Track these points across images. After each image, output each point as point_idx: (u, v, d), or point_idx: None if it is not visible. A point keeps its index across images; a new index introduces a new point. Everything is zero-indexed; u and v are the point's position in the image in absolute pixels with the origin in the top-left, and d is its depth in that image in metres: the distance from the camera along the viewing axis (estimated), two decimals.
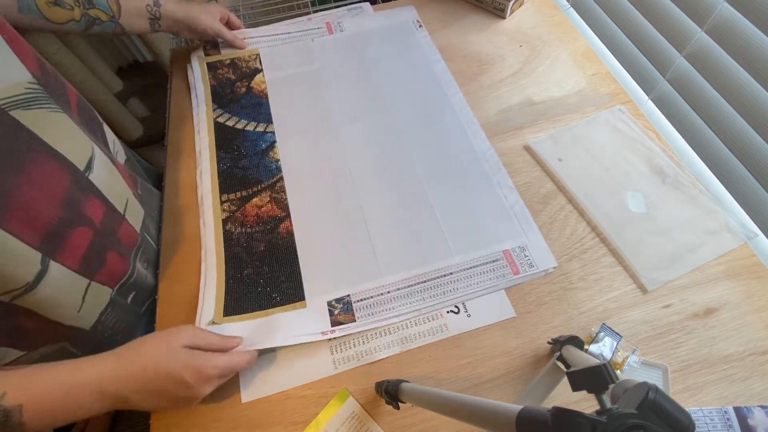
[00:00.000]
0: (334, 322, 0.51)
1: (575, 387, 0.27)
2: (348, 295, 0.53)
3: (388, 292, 0.54)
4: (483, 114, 0.70)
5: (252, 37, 0.81)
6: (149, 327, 0.53)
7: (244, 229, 0.59)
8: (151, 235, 0.59)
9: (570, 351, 0.41)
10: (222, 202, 0.62)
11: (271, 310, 0.53)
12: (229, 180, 0.64)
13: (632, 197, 0.60)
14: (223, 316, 0.52)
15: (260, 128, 0.70)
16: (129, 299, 0.54)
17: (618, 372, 0.47)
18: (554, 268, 0.55)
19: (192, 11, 0.70)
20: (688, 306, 0.52)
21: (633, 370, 0.48)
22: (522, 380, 0.48)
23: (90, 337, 0.48)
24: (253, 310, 0.53)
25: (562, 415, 0.22)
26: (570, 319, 0.52)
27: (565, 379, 0.30)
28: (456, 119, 0.69)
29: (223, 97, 0.74)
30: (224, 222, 0.60)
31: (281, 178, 0.64)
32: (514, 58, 0.77)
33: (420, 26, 0.82)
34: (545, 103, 0.71)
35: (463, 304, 0.53)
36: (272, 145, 0.68)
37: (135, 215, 0.55)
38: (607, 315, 0.52)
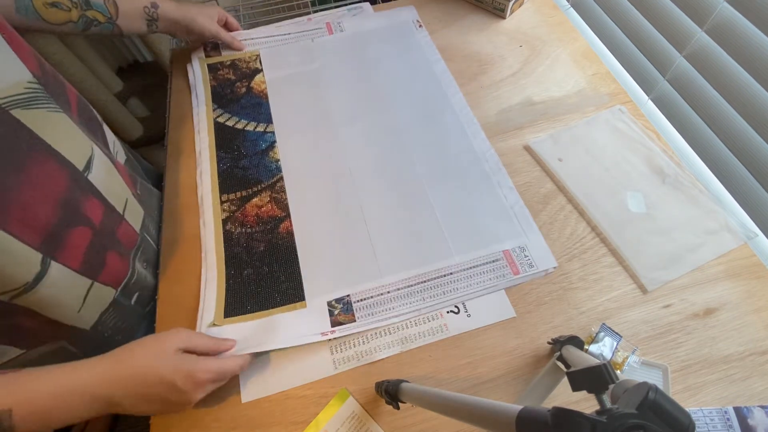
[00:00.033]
0: (334, 323, 0.51)
1: (575, 387, 0.27)
2: (348, 295, 0.53)
3: (388, 292, 0.54)
4: (483, 114, 0.70)
5: (252, 38, 0.81)
6: (151, 327, 0.53)
7: (244, 229, 0.59)
8: (151, 235, 0.59)
9: (570, 351, 0.41)
10: (222, 202, 0.62)
11: (271, 310, 0.53)
12: (229, 180, 0.64)
13: (632, 197, 0.60)
14: (224, 317, 0.52)
15: (260, 128, 0.70)
16: (133, 300, 0.54)
17: (618, 372, 0.47)
18: (554, 268, 0.55)
19: (189, 13, 0.70)
20: (688, 306, 0.52)
21: (633, 370, 0.48)
22: (522, 380, 0.48)
23: (90, 337, 0.48)
24: (253, 311, 0.53)
25: (562, 415, 0.22)
26: (570, 319, 0.52)
27: (565, 379, 0.30)
28: (456, 119, 0.69)
29: (223, 97, 0.74)
30: (224, 222, 0.60)
31: (281, 178, 0.64)
32: (514, 58, 0.77)
33: (420, 26, 0.82)
34: (545, 103, 0.71)
35: (463, 304, 0.53)
36: (272, 145, 0.68)
37: (134, 215, 0.55)
38: (607, 315, 0.52)
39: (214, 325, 0.51)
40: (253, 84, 0.75)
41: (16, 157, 0.38)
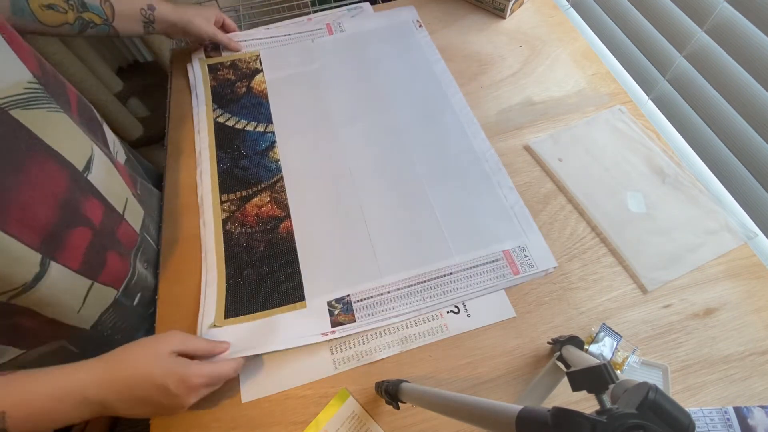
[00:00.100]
0: (334, 323, 0.51)
1: (575, 387, 0.27)
2: (348, 295, 0.53)
3: (388, 292, 0.54)
4: (483, 114, 0.70)
5: (252, 38, 0.81)
6: (152, 329, 0.53)
7: (244, 229, 0.59)
8: (151, 236, 0.59)
9: (570, 351, 0.41)
10: (222, 202, 0.62)
11: (271, 310, 0.53)
12: (229, 180, 0.64)
13: (632, 197, 0.60)
14: (224, 318, 0.52)
15: (260, 128, 0.70)
16: (135, 301, 0.54)
17: (618, 372, 0.47)
18: (554, 268, 0.55)
19: (186, 15, 0.70)
20: (688, 306, 0.52)
21: (633, 370, 0.48)
22: (522, 380, 0.48)
23: (90, 337, 0.48)
24: (253, 311, 0.53)
25: (562, 415, 0.22)
26: (570, 319, 0.52)
27: (565, 379, 0.30)
28: (456, 119, 0.69)
29: (223, 97, 0.74)
30: (224, 222, 0.60)
31: (281, 178, 0.64)
32: (514, 58, 0.77)
33: (420, 26, 0.82)
34: (545, 103, 0.71)
35: (463, 304, 0.53)
36: (272, 145, 0.68)
37: (134, 215, 0.55)
38: (607, 315, 0.52)
39: (215, 326, 0.51)
40: (253, 84, 0.75)
41: (15, 158, 0.38)
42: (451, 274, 0.54)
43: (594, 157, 0.64)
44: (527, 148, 0.66)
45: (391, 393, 0.41)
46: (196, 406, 0.45)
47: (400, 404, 0.42)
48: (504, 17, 0.83)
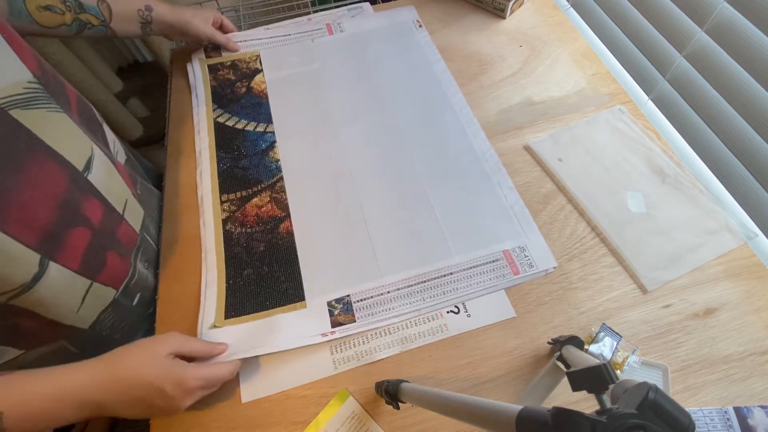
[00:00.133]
0: (334, 323, 0.51)
1: (575, 387, 0.27)
2: (348, 295, 0.53)
3: (388, 292, 0.53)
4: (483, 114, 0.70)
5: (252, 39, 0.81)
6: (152, 330, 0.53)
7: (244, 229, 0.59)
8: (151, 236, 0.59)
9: (570, 351, 0.41)
10: (222, 202, 0.62)
11: (271, 311, 0.53)
12: (229, 180, 0.64)
13: (632, 197, 0.60)
14: (224, 318, 0.52)
15: (260, 128, 0.70)
16: (135, 301, 0.54)
17: (618, 372, 0.47)
18: (554, 268, 0.55)
19: (184, 16, 0.70)
20: (688, 306, 0.52)
21: (633, 370, 0.48)
22: (522, 380, 0.48)
23: (89, 336, 0.48)
24: (253, 312, 0.53)
25: (562, 415, 0.22)
26: (570, 319, 0.52)
27: (565, 379, 0.30)
28: (456, 119, 0.69)
29: (223, 97, 0.74)
30: (224, 222, 0.60)
31: (281, 178, 0.64)
32: (514, 58, 0.77)
33: (420, 26, 0.82)
34: (545, 103, 0.71)
35: (463, 304, 0.53)
36: (272, 145, 0.68)
37: (134, 215, 0.55)
38: (607, 315, 0.52)
39: (215, 326, 0.51)
40: (253, 84, 0.75)
41: (15, 158, 0.38)
42: (451, 274, 0.54)
43: (594, 157, 0.64)
44: (527, 148, 0.66)
45: (391, 393, 0.41)
46: (195, 406, 0.45)
47: (400, 404, 0.42)
48: (504, 17, 0.83)
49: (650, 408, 0.22)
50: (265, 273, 0.56)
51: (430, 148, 0.66)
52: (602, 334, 0.49)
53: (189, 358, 0.45)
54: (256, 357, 0.49)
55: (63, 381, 0.38)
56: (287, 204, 0.61)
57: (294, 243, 0.58)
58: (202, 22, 0.73)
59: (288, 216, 0.60)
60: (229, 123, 0.70)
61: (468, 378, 0.49)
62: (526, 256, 0.56)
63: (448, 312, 0.53)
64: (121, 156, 0.59)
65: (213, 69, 0.77)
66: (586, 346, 0.48)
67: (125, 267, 0.51)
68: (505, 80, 0.75)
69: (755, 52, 0.54)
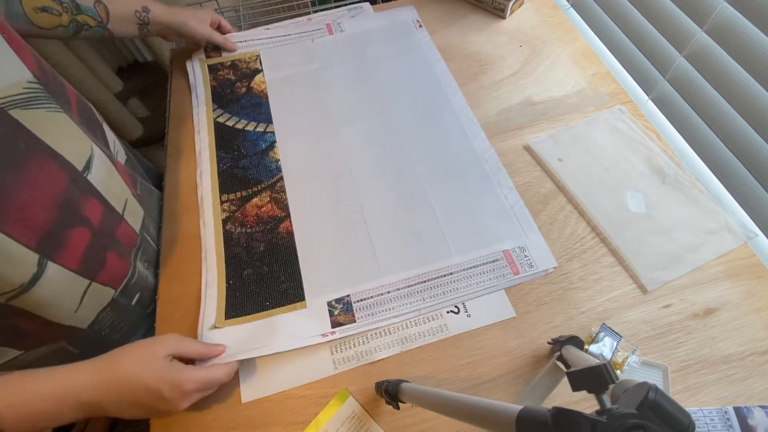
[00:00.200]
0: (334, 323, 0.51)
1: (575, 387, 0.27)
2: (348, 296, 0.53)
3: (388, 292, 0.53)
4: (483, 114, 0.70)
5: (252, 39, 0.81)
6: (152, 329, 0.53)
7: (244, 229, 0.59)
8: (151, 235, 0.59)
9: (570, 351, 0.41)
10: (222, 202, 0.62)
11: (271, 311, 0.53)
12: (229, 180, 0.64)
13: (632, 197, 0.60)
14: (225, 319, 0.52)
15: (260, 128, 0.70)
16: (134, 301, 0.54)
17: (618, 372, 0.47)
18: (554, 268, 0.55)
19: (181, 17, 0.70)
20: (688, 306, 0.52)
21: (633, 370, 0.48)
22: (522, 380, 0.48)
23: (87, 337, 0.48)
24: (253, 312, 0.53)
25: (562, 415, 0.22)
26: (570, 319, 0.52)
27: (565, 379, 0.30)
28: (456, 119, 0.69)
29: (223, 97, 0.74)
30: (224, 222, 0.60)
31: (281, 178, 0.64)
32: (514, 58, 0.77)
33: (420, 26, 0.82)
34: (545, 103, 0.71)
35: (463, 304, 0.53)
36: (272, 145, 0.68)
37: (134, 215, 0.55)
38: (607, 315, 0.52)
39: (216, 327, 0.51)
40: (253, 84, 0.75)
41: (14, 158, 0.38)
42: (451, 274, 0.54)
43: (594, 157, 0.64)
44: (527, 148, 0.66)
45: (391, 393, 0.41)
46: (196, 406, 0.45)
47: (400, 404, 0.42)
48: (504, 17, 0.83)
49: (650, 408, 0.22)
50: (265, 273, 0.56)
51: (430, 148, 0.66)
52: (602, 334, 0.49)
53: (187, 360, 0.45)
54: (256, 357, 0.49)
55: (62, 381, 0.39)
56: (287, 204, 0.61)
57: (294, 243, 0.58)
58: (199, 23, 0.73)
59: (288, 216, 0.60)
60: (229, 123, 0.70)
61: (468, 378, 0.49)
62: (526, 256, 0.56)
63: (448, 312, 0.53)
64: (121, 156, 0.59)
65: (213, 69, 0.77)
66: (586, 346, 0.48)
67: (125, 267, 0.51)
68: (505, 80, 0.75)
69: (755, 52, 0.54)
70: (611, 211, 0.59)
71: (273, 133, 0.69)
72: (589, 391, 0.26)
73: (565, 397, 0.45)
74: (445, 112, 0.70)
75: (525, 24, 0.82)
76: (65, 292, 0.44)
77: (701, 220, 0.57)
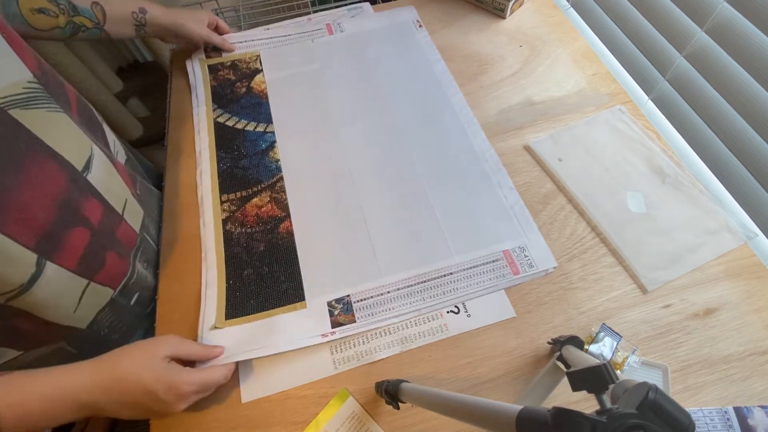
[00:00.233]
0: (334, 323, 0.51)
1: (575, 387, 0.27)
2: (348, 296, 0.53)
3: (388, 292, 0.53)
4: (483, 114, 0.70)
5: (252, 39, 0.81)
6: (152, 329, 0.53)
7: (244, 229, 0.59)
8: (151, 236, 0.59)
9: (570, 351, 0.41)
10: (222, 202, 0.62)
11: (271, 311, 0.53)
12: (229, 180, 0.64)
13: (632, 197, 0.60)
14: (225, 319, 0.52)
15: (260, 128, 0.70)
16: (132, 301, 0.53)
17: (618, 372, 0.47)
18: (554, 268, 0.55)
19: (178, 18, 0.70)
20: (688, 306, 0.52)
21: (633, 370, 0.48)
22: (522, 380, 0.48)
23: (86, 337, 0.48)
24: (253, 312, 0.53)
25: (562, 415, 0.22)
26: (570, 319, 0.52)
27: (565, 379, 0.30)
28: (456, 119, 0.69)
29: (223, 97, 0.74)
30: (224, 222, 0.60)
31: (281, 178, 0.64)
32: (514, 58, 0.77)
33: (420, 26, 0.82)
34: (545, 103, 0.71)
35: (463, 304, 0.53)
36: (272, 145, 0.68)
37: (134, 215, 0.55)
38: (607, 315, 0.52)
39: (216, 327, 0.51)
40: (253, 84, 0.75)
41: (14, 158, 0.38)
42: (451, 274, 0.54)
43: (594, 157, 0.64)
44: (527, 148, 0.66)
45: (391, 393, 0.41)
46: (196, 406, 0.45)
47: (400, 404, 0.42)
48: (504, 17, 0.83)
49: (650, 408, 0.22)
50: (265, 273, 0.56)
51: (430, 148, 0.66)
52: (602, 334, 0.49)
53: (186, 362, 0.45)
54: (257, 357, 0.49)
55: (61, 381, 0.39)
56: (287, 204, 0.61)
57: (294, 243, 0.58)
58: (196, 24, 0.73)
59: (288, 216, 0.60)
60: (229, 123, 0.70)
61: (468, 378, 0.49)
62: (526, 256, 0.56)
63: (448, 312, 0.53)
64: (121, 156, 0.59)
65: (213, 69, 0.77)
66: (586, 346, 0.48)
67: (124, 267, 0.51)
68: (505, 80, 0.75)
69: (755, 52, 0.54)
70: (611, 211, 0.59)
71: (273, 133, 0.69)
72: (589, 391, 0.26)
73: (565, 397, 0.45)
74: (445, 112, 0.70)
75: (525, 24, 0.82)
76: (64, 292, 0.44)
77: (701, 220, 0.57)
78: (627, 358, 0.48)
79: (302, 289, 0.54)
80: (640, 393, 0.23)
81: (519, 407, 0.25)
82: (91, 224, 0.46)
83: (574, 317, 0.52)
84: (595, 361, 0.29)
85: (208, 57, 0.79)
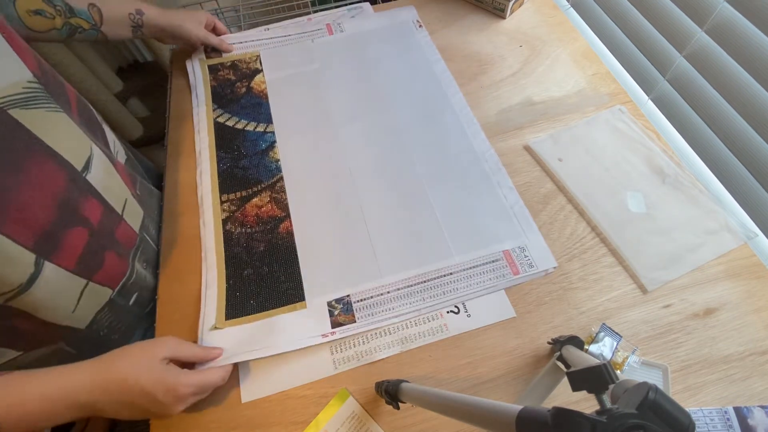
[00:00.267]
0: (335, 323, 0.51)
1: (575, 387, 0.27)
2: (348, 296, 0.53)
3: (388, 292, 0.53)
4: (483, 114, 0.70)
5: (252, 39, 0.81)
6: (151, 329, 0.53)
7: (244, 229, 0.59)
8: (151, 236, 0.59)
9: (570, 351, 0.41)
10: (222, 202, 0.62)
11: (271, 311, 0.53)
12: (229, 180, 0.64)
13: (632, 197, 0.60)
14: (225, 319, 0.52)
15: (260, 128, 0.70)
16: (131, 301, 0.53)
17: (618, 372, 0.47)
18: (554, 268, 0.55)
19: (175, 19, 0.70)
20: (688, 306, 0.52)
21: (633, 370, 0.48)
22: (522, 380, 0.48)
23: (86, 337, 0.48)
24: (253, 312, 0.53)
25: (562, 415, 0.22)
26: (570, 319, 0.52)
27: (565, 379, 0.30)
28: (456, 119, 0.69)
29: (223, 97, 0.74)
30: (224, 222, 0.60)
31: (281, 178, 0.64)
32: (514, 58, 0.77)
33: (420, 26, 0.82)
34: (545, 103, 0.71)
35: (463, 304, 0.53)
36: (272, 145, 0.68)
37: (134, 216, 0.55)
38: (607, 315, 0.52)
39: (216, 328, 0.51)
40: (253, 84, 0.75)
41: (14, 158, 0.38)
42: (451, 274, 0.54)
43: (594, 157, 0.64)
44: (527, 148, 0.66)
45: (391, 393, 0.41)
46: (195, 406, 0.45)
47: (400, 404, 0.42)
48: (504, 17, 0.83)
49: (650, 408, 0.22)
50: (265, 273, 0.56)
51: (430, 148, 0.66)
52: (602, 334, 0.49)
53: (185, 363, 0.45)
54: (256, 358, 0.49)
55: (61, 382, 0.39)
56: (287, 204, 0.61)
57: (294, 243, 0.58)
58: (194, 25, 0.73)
59: (288, 216, 0.60)
60: (229, 123, 0.70)
61: (468, 378, 0.49)
62: (526, 256, 0.55)
63: (448, 312, 0.53)
64: (121, 156, 0.59)
65: (213, 69, 0.77)
66: (586, 346, 0.48)
67: (123, 267, 0.51)
68: (505, 80, 0.75)
69: (755, 52, 0.54)
70: (611, 211, 0.59)
71: (273, 133, 0.69)
72: (589, 391, 0.26)
73: (565, 397, 0.45)
74: (445, 112, 0.70)
75: (525, 24, 0.82)
76: (62, 292, 0.44)
77: (701, 220, 0.57)
78: (627, 358, 0.48)
79: (302, 289, 0.54)
80: (640, 393, 0.23)
81: (519, 407, 0.25)
82: (90, 224, 0.46)
83: (574, 317, 0.52)
84: (595, 361, 0.29)
85: (208, 57, 0.79)
